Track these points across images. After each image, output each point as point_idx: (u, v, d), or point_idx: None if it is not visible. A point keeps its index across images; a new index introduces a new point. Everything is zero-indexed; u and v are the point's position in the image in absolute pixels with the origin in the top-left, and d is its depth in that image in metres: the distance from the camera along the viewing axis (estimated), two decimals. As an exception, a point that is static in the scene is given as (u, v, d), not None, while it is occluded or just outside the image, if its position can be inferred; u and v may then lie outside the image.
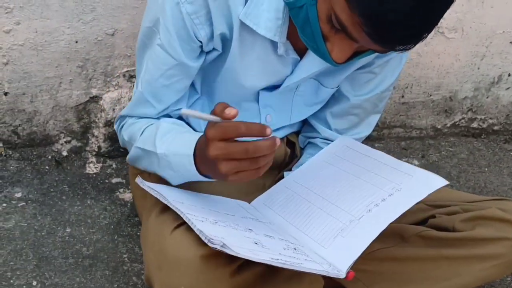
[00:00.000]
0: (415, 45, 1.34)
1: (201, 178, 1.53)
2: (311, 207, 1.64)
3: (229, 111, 1.35)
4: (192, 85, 1.79)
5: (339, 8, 1.33)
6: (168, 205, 1.48)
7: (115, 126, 1.87)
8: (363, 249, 1.49)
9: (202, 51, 1.66)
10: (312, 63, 1.70)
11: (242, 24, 1.58)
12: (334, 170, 1.75)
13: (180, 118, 1.80)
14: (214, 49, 1.67)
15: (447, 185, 2.43)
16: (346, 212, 1.57)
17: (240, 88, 1.74)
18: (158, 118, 1.76)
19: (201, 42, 1.62)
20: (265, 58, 1.66)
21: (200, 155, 1.48)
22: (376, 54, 1.69)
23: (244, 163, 1.36)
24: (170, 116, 1.78)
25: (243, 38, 1.62)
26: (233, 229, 1.47)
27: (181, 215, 1.43)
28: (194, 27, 1.58)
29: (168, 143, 1.61)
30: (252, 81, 1.73)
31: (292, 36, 1.57)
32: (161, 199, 1.51)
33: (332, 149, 1.84)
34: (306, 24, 1.43)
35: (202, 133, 1.47)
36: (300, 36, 1.50)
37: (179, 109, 1.76)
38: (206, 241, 1.33)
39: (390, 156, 1.74)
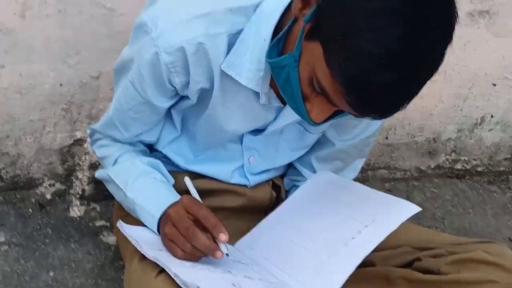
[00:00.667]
0: (394, 113, 1.35)
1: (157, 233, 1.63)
2: (291, 245, 1.65)
3: (222, 236, 1.47)
4: (172, 122, 1.80)
5: (321, 73, 1.33)
6: (146, 255, 1.49)
7: (88, 132, 1.92)
8: (340, 285, 1.49)
9: (176, 94, 1.67)
10: None
11: (224, 74, 1.58)
12: (314, 206, 1.75)
13: (149, 146, 1.87)
14: (188, 97, 1.67)
15: (433, 227, 2.45)
16: (324, 247, 1.58)
17: (222, 132, 1.74)
18: (128, 143, 1.81)
19: (174, 87, 1.62)
20: (248, 106, 1.67)
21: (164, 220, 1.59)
22: None
23: (178, 237, 1.51)
24: (140, 143, 1.83)
25: (225, 87, 1.62)
26: (211, 272, 1.47)
27: (158, 262, 1.45)
28: (169, 74, 1.57)
29: (138, 191, 1.69)
30: (235, 127, 1.74)
31: (275, 84, 1.58)
32: (137, 247, 1.52)
33: (311, 184, 1.84)
34: (287, 84, 1.44)
35: (172, 198, 1.63)
36: (280, 92, 1.51)
37: (149, 141, 1.83)
38: (181, 285, 1.36)
39: (366, 187, 1.75)
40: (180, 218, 1.51)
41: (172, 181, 1.76)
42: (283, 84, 1.46)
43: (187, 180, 1.65)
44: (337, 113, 1.44)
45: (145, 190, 1.67)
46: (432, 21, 1.24)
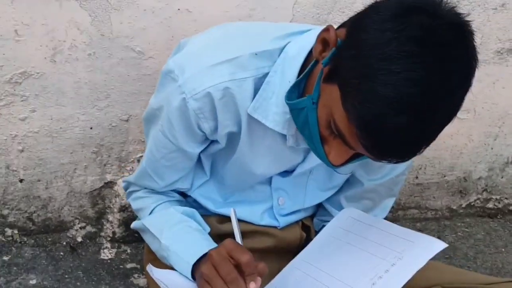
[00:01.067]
0: (411, 158, 1.35)
1: (192, 280, 1.61)
2: (319, 285, 1.63)
3: (252, 285, 1.48)
4: (201, 167, 1.80)
5: (338, 116, 1.33)
6: None
7: (122, 185, 1.92)
8: None
9: (206, 139, 1.68)
10: None
11: (250, 117, 1.59)
12: (340, 244, 1.73)
13: (182, 195, 1.87)
14: (218, 141, 1.68)
15: (465, 267, 2.43)
16: (351, 287, 1.56)
17: (251, 175, 1.75)
18: (163, 192, 1.81)
19: (204, 132, 1.63)
20: (276, 148, 1.67)
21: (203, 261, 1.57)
22: None
23: (216, 279, 1.48)
24: (175, 191, 1.84)
25: (252, 130, 1.63)
26: None
27: None
28: (198, 120, 1.59)
29: (173, 239, 1.68)
30: (263, 169, 1.74)
31: None
32: None
33: (337, 222, 1.82)
34: (305, 126, 1.45)
35: (207, 247, 1.62)
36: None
37: (183, 188, 1.83)
38: None
39: (393, 224, 1.72)
40: (221, 260, 1.48)
41: (208, 229, 1.76)
42: (302, 126, 1.47)
43: (232, 214, 1.61)
44: (356, 156, 1.44)
45: (180, 238, 1.67)
46: (450, 66, 1.23)
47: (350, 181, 1.91)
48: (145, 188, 1.83)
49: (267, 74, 1.56)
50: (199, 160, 1.78)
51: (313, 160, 1.73)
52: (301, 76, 1.48)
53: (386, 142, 1.28)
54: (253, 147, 1.67)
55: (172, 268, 1.67)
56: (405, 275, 1.53)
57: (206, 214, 1.85)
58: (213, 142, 1.70)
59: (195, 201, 1.87)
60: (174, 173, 1.75)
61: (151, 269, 1.63)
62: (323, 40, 1.39)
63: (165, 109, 1.62)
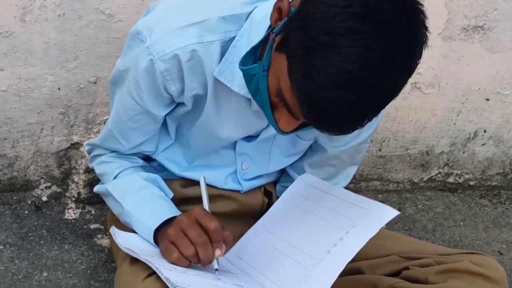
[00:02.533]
0: (353, 131, 1.38)
1: (154, 244, 1.64)
2: (277, 253, 1.66)
3: (217, 252, 1.52)
4: (166, 130, 1.82)
5: (284, 86, 1.37)
6: (138, 258, 1.51)
7: (86, 149, 1.93)
8: None
9: (172, 102, 1.70)
10: None
11: (217, 81, 1.62)
12: (298, 211, 1.76)
13: (146, 159, 1.89)
14: (184, 103, 1.70)
15: (424, 239, 2.47)
16: (307, 255, 1.59)
17: (216, 138, 1.77)
18: (128, 155, 1.83)
19: (170, 95, 1.65)
20: (241, 112, 1.69)
21: (163, 232, 1.59)
22: None
23: (182, 240, 1.51)
24: (141, 155, 1.86)
25: (218, 93, 1.65)
26: (201, 277, 1.49)
27: (150, 265, 1.46)
28: (165, 82, 1.61)
29: (136, 204, 1.70)
30: (229, 133, 1.76)
31: None
32: (130, 253, 1.54)
33: (295, 189, 1.84)
34: (257, 92, 1.47)
35: (169, 213, 1.64)
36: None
37: (148, 151, 1.85)
38: (171, 287, 1.36)
39: (349, 192, 1.75)
40: (190, 225, 1.51)
41: (171, 194, 1.78)
42: (254, 92, 1.50)
43: (202, 181, 1.65)
44: (304, 124, 1.47)
45: (143, 204, 1.69)
46: (391, 44, 1.25)
47: (313, 148, 1.94)
48: (110, 152, 1.84)
49: (233, 38, 1.58)
50: (164, 123, 1.79)
51: None
52: (257, 43, 1.50)
53: (325, 115, 1.31)
54: (219, 111, 1.69)
55: (135, 232, 1.69)
56: (358, 243, 1.55)
57: (170, 178, 1.88)
58: (179, 105, 1.72)
59: (159, 165, 1.89)
60: (140, 135, 1.77)
61: (114, 231, 1.64)
62: (278, 9, 1.41)
63: (132, 71, 1.63)
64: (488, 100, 2.80)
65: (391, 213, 1.60)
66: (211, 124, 1.72)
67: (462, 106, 2.79)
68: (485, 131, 2.90)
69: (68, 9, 2.14)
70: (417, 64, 1.32)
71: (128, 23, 2.18)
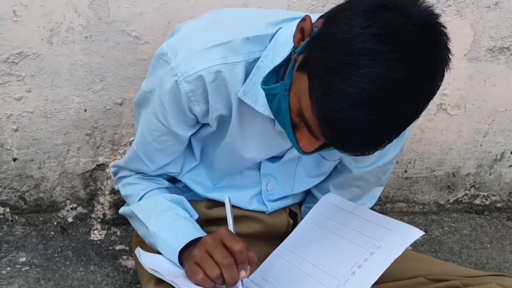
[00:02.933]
0: (374, 151, 1.37)
1: (179, 266, 1.63)
2: (301, 274, 1.65)
3: (242, 273, 1.52)
4: (191, 151, 1.83)
5: (305, 105, 1.37)
6: (163, 278, 1.51)
7: (112, 171, 1.94)
8: None
9: (197, 123, 1.71)
10: None
11: (241, 101, 1.62)
12: (322, 232, 1.76)
13: (171, 181, 1.89)
14: (209, 124, 1.70)
15: (450, 261, 2.44)
16: (332, 276, 1.59)
17: (240, 159, 1.78)
18: (154, 176, 1.84)
19: (195, 115, 1.66)
20: (265, 133, 1.70)
21: (188, 253, 1.59)
22: None
23: (208, 261, 1.51)
24: (166, 176, 1.86)
25: (243, 114, 1.66)
26: None
27: (175, 286, 1.47)
28: (189, 103, 1.62)
29: (161, 225, 1.71)
30: (253, 154, 1.77)
31: None
32: (155, 274, 1.54)
33: (319, 209, 1.85)
34: (278, 112, 1.48)
35: (194, 234, 1.64)
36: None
37: (173, 172, 1.85)
38: None
39: (372, 211, 1.75)
40: (216, 246, 1.52)
41: (196, 216, 1.78)
42: (275, 111, 1.50)
43: (227, 201, 1.64)
44: (325, 145, 1.46)
45: (167, 225, 1.70)
46: (412, 66, 1.25)
47: (338, 169, 1.94)
48: (136, 174, 1.84)
49: (258, 59, 1.59)
50: (189, 144, 1.80)
51: None
52: (279, 63, 1.50)
53: (344, 135, 1.31)
54: (243, 131, 1.69)
55: (160, 253, 1.70)
56: (384, 264, 1.55)
57: (195, 199, 1.88)
58: (204, 125, 1.72)
59: (184, 186, 1.89)
60: (165, 156, 1.77)
61: (139, 252, 1.65)
62: (301, 29, 1.42)
63: (158, 92, 1.64)
64: (514, 121, 2.79)
65: (416, 233, 1.60)
66: (235, 144, 1.72)
67: (489, 127, 2.78)
68: (511, 152, 2.88)
69: (95, 31, 2.16)
70: (439, 86, 1.32)
71: (154, 44, 2.19)
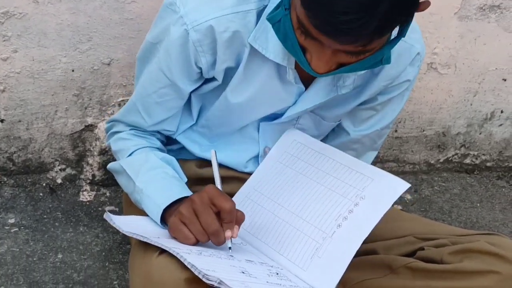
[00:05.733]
0: (368, 34, 1.34)
1: (160, 225, 1.62)
2: (279, 222, 1.63)
3: (228, 233, 1.50)
4: (189, 110, 1.81)
5: (298, 8, 1.37)
6: (146, 241, 1.48)
7: (105, 126, 1.91)
8: (343, 272, 1.50)
9: (200, 77, 1.69)
10: (317, 94, 1.73)
11: (252, 51, 1.62)
12: (292, 173, 1.72)
13: (168, 141, 1.87)
14: (214, 78, 1.69)
15: (440, 220, 2.45)
16: (316, 228, 1.57)
17: (240, 115, 1.77)
18: (149, 132, 1.82)
19: (200, 68, 1.65)
20: (269, 85, 1.69)
21: (173, 211, 1.57)
22: (379, 90, 1.73)
23: (194, 223, 1.49)
24: (160, 134, 1.84)
25: (250, 63, 1.65)
26: (218, 258, 1.47)
27: (167, 249, 1.44)
28: (196, 54, 1.61)
29: (148, 182, 1.68)
30: (254, 109, 1.76)
31: (298, 66, 1.60)
32: (135, 237, 1.51)
33: (282, 146, 1.81)
34: (286, 37, 1.47)
35: (182, 193, 1.62)
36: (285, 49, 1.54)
37: (169, 131, 1.83)
38: (200, 276, 1.33)
39: (345, 154, 1.72)
40: (204, 208, 1.49)
41: (185, 179, 1.75)
42: (283, 39, 1.49)
43: (213, 156, 1.64)
44: (340, 66, 1.47)
45: (155, 182, 1.68)
46: None
47: (336, 131, 1.93)
48: (130, 130, 1.82)
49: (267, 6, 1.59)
50: (187, 102, 1.78)
51: (304, 103, 1.75)
52: None
53: (328, 15, 1.30)
54: (247, 84, 1.69)
55: (140, 214, 1.68)
56: (372, 219, 1.53)
57: (186, 159, 1.87)
58: (207, 80, 1.71)
59: (177, 149, 1.89)
60: (163, 111, 1.76)
61: (110, 217, 1.58)
62: None
63: (165, 42, 1.64)
64: (505, 80, 2.78)
65: (403, 185, 1.58)
66: (234, 95, 1.71)
67: (479, 86, 2.78)
68: (502, 111, 2.88)
69: (81, -10, 2.13)
70: None
71: (142, 4, 2.17)
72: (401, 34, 1.45)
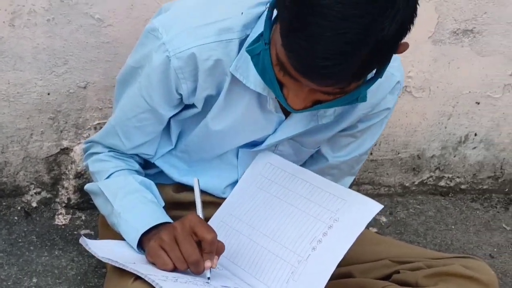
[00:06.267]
0: (347, 78, 1.36)
1: (136, 249, 1.61)
2: (254, 246, 1.64)
3: (208, 263, 1.50)
4: (168, 135, 1.81)
5: (278, 47, 1.38)
6: (122, 267, 1.48)
7: (83, 147, 1.90)
8: None
9: (180, 103, 1.69)
10: (297, 123, 1.74)
11: (233, 80, 1.62)
12: (266, 196, 1.73)
13: (143, 166, 1.86)
14: (194, 104, 1.69)
15: (415, 243, 2.46)
16: (291, 251, 1.58)
17: (220, 143, 1.78)
18: (127, 155, 1.81)
19: (180, 95, 1.65)
20: (250, 114, 1.70)
21: (150, 236, 1.57)
22: (359, 118, 1.74)
23: (174, 251, 1.50)
24: (138, 157, 1.83)
25: (231, 93, 1.66)
26: (194, 285, 1.47)
27: (143, 276, 1.43)
28: (177, 80, 1.61)
29: (126, 206, 1.68)
30: (234, 137, 1.76)
31: None
32: (112, 263, 1.51)
33: (256, 169, 1.81)
34: (264, 70, 1.47)
35: (160, 219, 1.62)
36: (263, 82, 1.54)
37: (147, 154, 1.82)
38: None
39: (317, 176, 1.73)
40: (185, 236, 1.49)
41: (162, 204, 1.75)
42: (262, 71, 1.49)
43: (196, 184, 1.64)
44: (314, 103, 1.48)
45: (134, 206, 1.67)
46: None
47: (314, 157, 1.94)
48: (108, 151, 1.81)
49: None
50: (166, 127, 1.78)
51: (284, 132, 1.75)
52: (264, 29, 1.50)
53: (309, 55, 1.30)
54: (227, 110, 1.69)
55: (116, 238, 1.68)
56: (346, 241, 1.53)
57: (163, 183, 1.87)
58: (187, 106, 1.71)
59: (155, 173, 1.88)
60: (142, 135, 1.75)
61: (86, 242, 1.59)
62: None
63: (146, 67, 1.63)
64: (478, 103, 2.81)
65: (375, 207, 1.59)
66: (215, 123, 1.71)
67: (453, 109, 2.80)
68: (476, 134, 2.90)
69: (58, 14, 2.13)
70: (407, 6, 1.32)
71: (118, 27, 2.18)
72: (379, 75, 1.45)
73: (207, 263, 1.49)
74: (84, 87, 2.27)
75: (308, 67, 1.33)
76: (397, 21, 1.30)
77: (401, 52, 1.43)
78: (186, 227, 1.50)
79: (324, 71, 1.32)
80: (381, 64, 1.41)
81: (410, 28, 1.36)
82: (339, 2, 1.25)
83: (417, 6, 1.35)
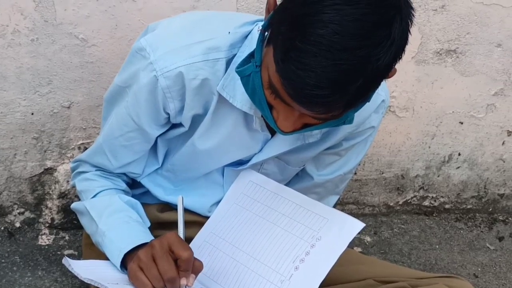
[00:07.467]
0: (338, 107, 1.37)
1: (119, 269, 1.61)
2: (238, 265, 1.64)
3: (183, 281, 1.49)
4: (155, 154, 1.82)
5: (272, 70, 1.38)
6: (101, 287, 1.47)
7: (71, 166, 1.90)
8: None
9: (168, 122, 1.69)
10: (283, 142, 1.74)
11: (219, 99, 1.63)
12: (249, 215, 1.73)
13: (129, 186, 1.85)
14: (181, 124, 1.69)
15: (400, 263, 2.46)
16: (274, 271, 1.58)
17: (206, 162, 1.77)
18: (115, 174, 1.81)
19: (168, 114, 1.65)
20: (236, 133, 1.70)
21: (133, 255, 1.56)
22: (344, 136, 1.74)
23: (151, 270, 1.49)
24: (125, 176, 1.83)
25: (218, 112, 1.66)
26: None
27: None
28: (164, 99, 1.61)
29: (111, 225, 1.68)
30: (220, 156, 1.76)
31: None
32: (94, 284, 1.50)
33: (239, 188, 1.81)
34: (254, 92, 1.48)
35: (144, 238, 1.61)
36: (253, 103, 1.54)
37: (134, 173, 1.82)
38: None
39: (300, 194, 1.73)
40: (162, 254, 1.49)
41: (148, 224, 1.75)
42: (251, 93, 1.50)
43: (180, 202, 1.63)
44: (304, 125, 1.48)
45: (118, 225, 1.67)
46: (369, 12, 1.28)
47: (299, 176, 1.95)
48: (95, 170, 1.81)
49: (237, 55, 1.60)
50: (154, 146, 1.78)
51: (270, 151, 1.76)
52: (252, 50, 1.51)
53: (303, 84, 1.31)
54: (214, 129, 1.69)
55: (100, 258, 1.67)
56: (329, 261, 1.54)
57: (148, 203, 1.87)
58: (174, 126, 1.72)
59: (141, 193, 1.89)
60: (129, 154, 1.76)
61: (68, 262, 1.56)
62: (267, 9, 1.45)
63: (134, 87, 1.64)
64: (462, 123, 2.82)
65: (357, 225, 1.60)
66: (202, 142, 1.72)
67: (437, 129, 2.81)
68: (459, 154, 2.92)
69: (42, 34, 2.13)
70: (402, 35, 1.33)
71: (102, 47, 2.18)
72: (367, 99, 1.46)
73: (183, 281, 1.48)
74: (68, 107, 2.27)
75: (303, 95, 1.34)
76: (392, 51, 1.31)
77: (390, 77, 1.45)
78: (164, 245, 1.50)
79: (319, 100, 1.33)
80: (374, 91, 1.42)
81: (402, 56, 1.37)
82: (337, 33, 1.26)
83: (409, 35, 1.37)
